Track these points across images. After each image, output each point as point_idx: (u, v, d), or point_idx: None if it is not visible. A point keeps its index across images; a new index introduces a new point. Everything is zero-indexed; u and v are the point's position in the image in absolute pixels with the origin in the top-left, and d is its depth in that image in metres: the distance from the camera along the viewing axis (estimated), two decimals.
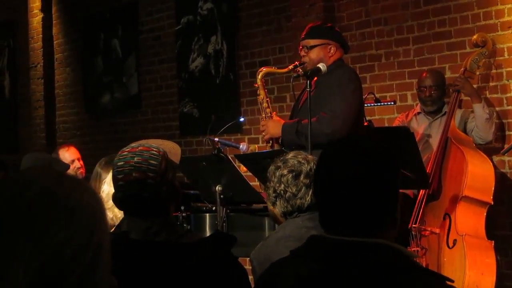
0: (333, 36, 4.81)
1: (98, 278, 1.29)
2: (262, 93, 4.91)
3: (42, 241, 1.25)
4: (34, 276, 1.23)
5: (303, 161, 3.22)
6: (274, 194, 3.22)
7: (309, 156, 3.31)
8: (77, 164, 6.09)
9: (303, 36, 4.84)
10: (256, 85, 4.94)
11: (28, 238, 1.25)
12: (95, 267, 1.29)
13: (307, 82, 4.44)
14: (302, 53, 4.81)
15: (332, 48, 4.75)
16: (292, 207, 3.19)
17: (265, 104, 4.90)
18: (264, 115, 4.89)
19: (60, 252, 1.25)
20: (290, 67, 4.85)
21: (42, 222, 1.26)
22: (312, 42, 4.76)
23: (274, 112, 4.95)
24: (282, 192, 3.19)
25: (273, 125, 4.75)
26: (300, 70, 4.74)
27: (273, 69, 5.27)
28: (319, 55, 4.73)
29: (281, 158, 3.27)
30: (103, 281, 1.31)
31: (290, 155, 3.27)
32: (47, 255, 1.25)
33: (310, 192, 3.15)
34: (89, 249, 1.28)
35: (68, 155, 6.09)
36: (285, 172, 3.20)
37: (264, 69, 5.01)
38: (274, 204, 3.25)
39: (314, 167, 3.14)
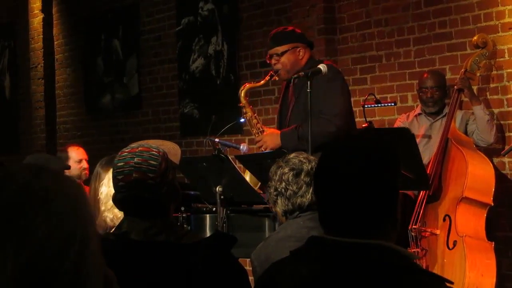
0: (298, 38, 4.91)
1: (88, 270, 1.28)
2: (249, 111, 4.96)
3: (25, 236, 1.24)
4: (21, 272, 1.23)
5: (304, 160, 3.25)
6: (275, 193, 3.24)
7: (311, 157, 3.35)
8: (84, 164, 6.15)
9: (269, 45, 4.92)
10: (241, 104, 4.96)
11: (11, 234, 1.24)
12: (84, 259, 1.28)
13: (308, 83, 4.46)
14: (273, 61, 4.90)
15: (301, 50, 4.86)
16: (293, 206, 3.21)
17: (254, 121, 4.95)
18: (255, 131, 4.92)
19: (45, 246, 1.25)
20: (267, 78, 4.95)
21: (23, 217, 1.25)
22: (280, 49, 4.85)
23: (264, 126, 5.00)
24: (283, 190, 3.21)
25: (271, 138, 4.80)
26: (277, 78, 4.83)
27: (252, 84, 5.23)
28: (290, 59, 4.84)
29: (283, 158, 3.30)
30: (94, 273, 1.30)
31: (292, 155, 3.33)
32: (32, 250, 1.24)
33: (311, 191, 3.17)
34: (74, 241, 1.27)
35: (77, 154, 6.18)
36: (286, 170, 3.22)
37: (247, 85, 5.06)
38: (275, 203, 3.26)
39: (315, 166, 3.17)
